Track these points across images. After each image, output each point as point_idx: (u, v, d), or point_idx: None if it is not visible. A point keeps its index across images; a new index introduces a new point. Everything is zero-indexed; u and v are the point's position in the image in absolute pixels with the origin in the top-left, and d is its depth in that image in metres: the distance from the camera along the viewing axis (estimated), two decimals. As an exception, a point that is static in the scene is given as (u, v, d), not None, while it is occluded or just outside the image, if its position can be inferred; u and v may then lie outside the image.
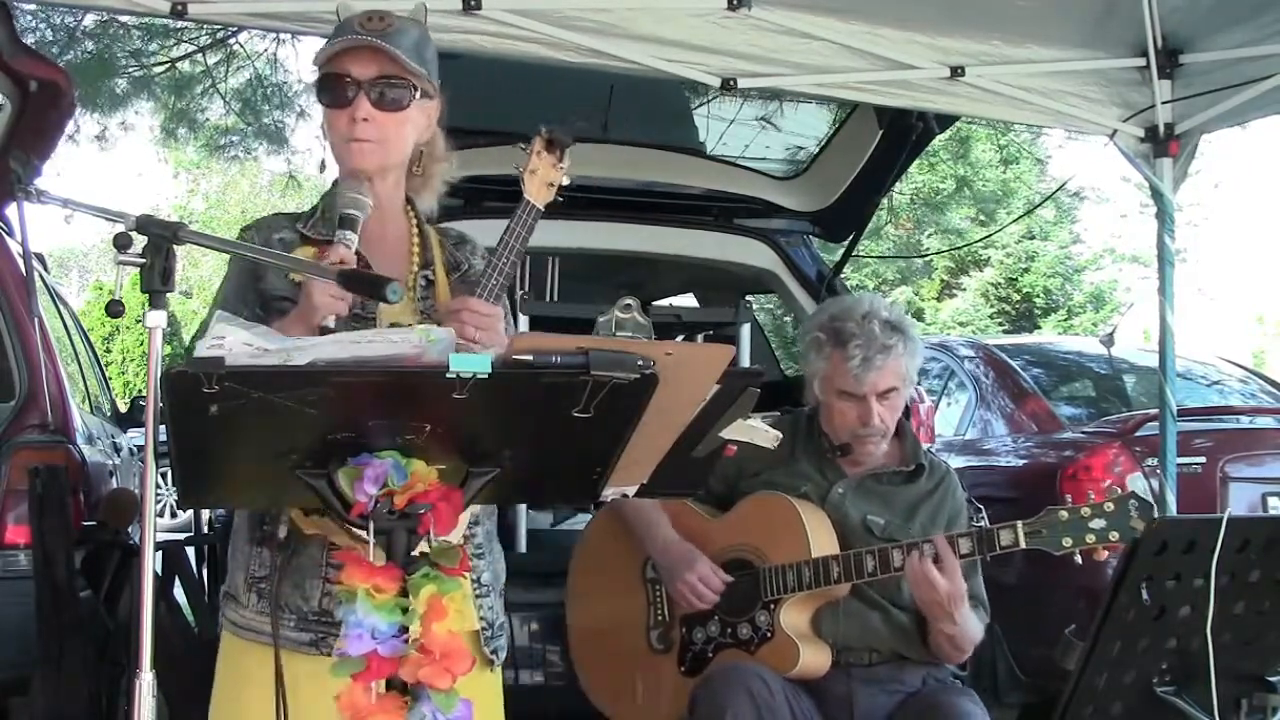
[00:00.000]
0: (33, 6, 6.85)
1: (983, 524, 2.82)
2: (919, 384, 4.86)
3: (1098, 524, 2.64)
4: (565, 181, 2.23)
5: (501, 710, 2.27)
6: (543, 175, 2.21)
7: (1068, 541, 2.66)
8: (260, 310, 2.12)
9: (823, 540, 2.84)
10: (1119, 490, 2.71)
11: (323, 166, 2.38)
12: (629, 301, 3.52)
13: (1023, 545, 2.69)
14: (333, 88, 2.13)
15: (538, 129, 2.22)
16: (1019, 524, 2.69)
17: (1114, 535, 2.63)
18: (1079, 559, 2.69)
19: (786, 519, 2.87)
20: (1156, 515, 2.64)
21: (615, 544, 3.09)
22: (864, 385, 2.84)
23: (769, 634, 2.85)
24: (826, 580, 2.79)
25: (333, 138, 2.16)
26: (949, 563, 2.69)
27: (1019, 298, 20.81)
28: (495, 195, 4.09)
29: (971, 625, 2.80)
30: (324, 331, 1.95)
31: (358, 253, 2.07)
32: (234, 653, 2.16)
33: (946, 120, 4.55)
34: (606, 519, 3.14)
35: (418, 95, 2.15)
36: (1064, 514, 2.67)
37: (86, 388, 5.54)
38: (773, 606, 2.85)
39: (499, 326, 2.12)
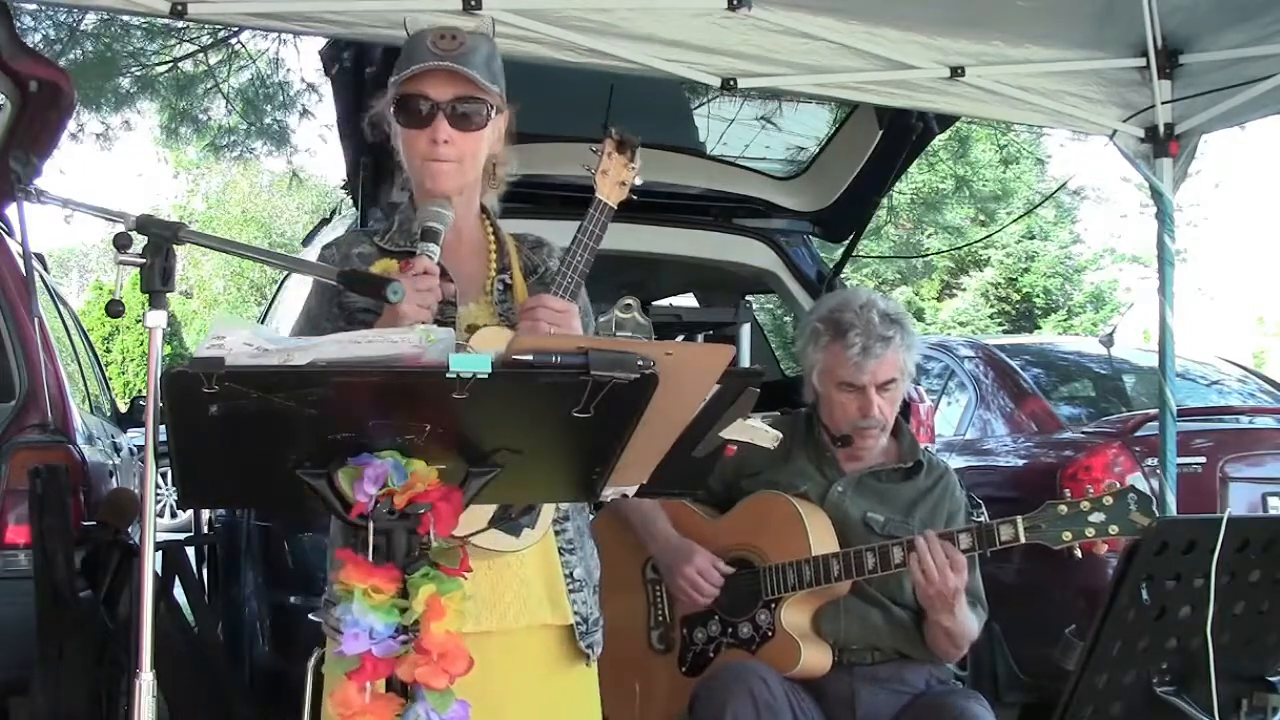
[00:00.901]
0: (34, 6, 6.85)
1: (982, 519, 2.82)
2: (919, 384, 4.87)
3: (1096, 518, 2.64)
4: (637, 181, 2.31)
5: (598, 705, 2.32)
6: (614, 175, 2.29)
7: (1067, 535, 2.66)
8: (343, 323, 2.17)
9: (823, 539, 2.84)
10: (1118, 485, 2.71)
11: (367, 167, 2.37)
12: (629, 301, 3.52)
13: (1022, 540, 2.69)
14: (411, 109, 2.16)
15: (607, 132, 2.30)
16: (1018, 519, 2.69)
17: (1113, 529, 2.63)
18: (1078, 553, 2.70)
19: (786, 518, 2.87)
20: (1155, 509, 2.64)
21: (615, 544, 3.08)
22: (864, 374, 2.84)
23: (770, 633, 2.85)
24: (827, 578, 2.80)
25: (410, 158, 2.21)
26: (952, 557, 2.69)
27: (1019, 298, 20.82)
28: (504, 195, 4.10)
29: (969, 621, 2.81)
30: None
31: (439, 263, 2.11)
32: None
33: (946, 120, 4.55)
34: (606, 520, 3.14)
35: (493, 113, 2.19)
36: (1063, 508, 2.67)
37: (86, 388, 5.54)
38: (773, 605, 2.85)
39: (574, 322, 2.17)
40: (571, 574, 2.25)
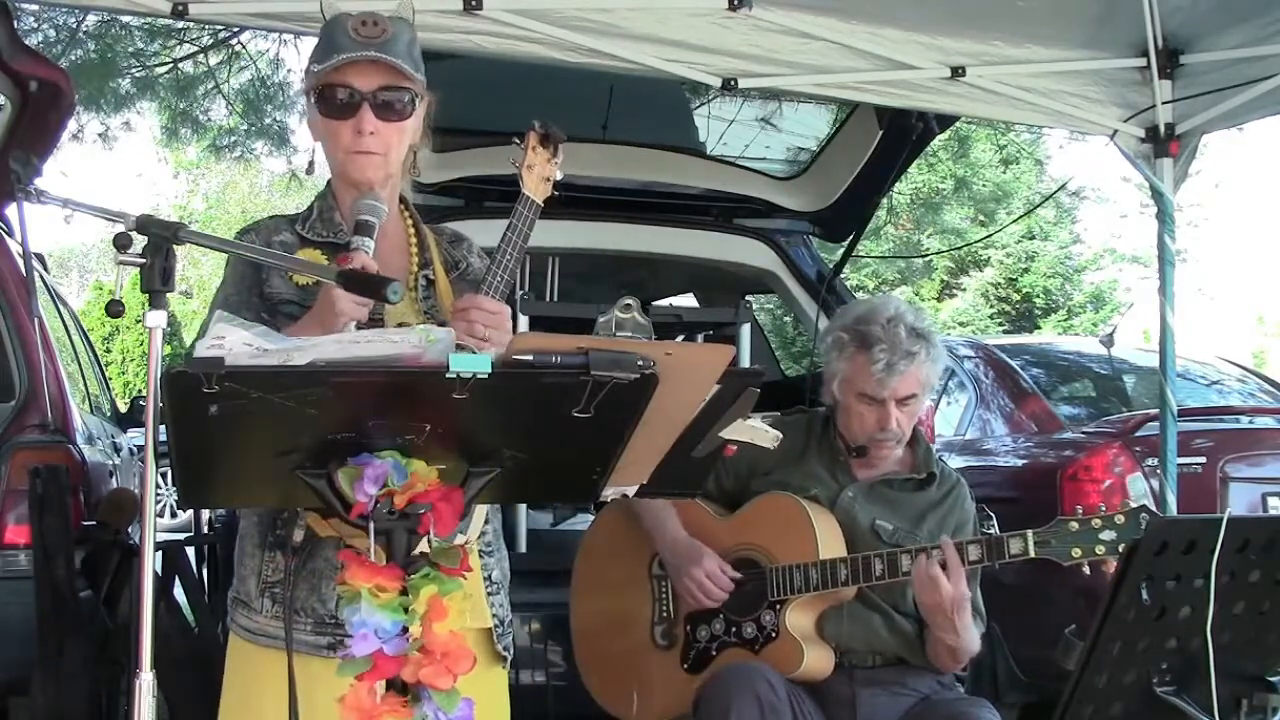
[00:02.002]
0: (35, 7, 6.86)
1: (992, 531, 2.81)
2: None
3: (1108, 535, 2.62)
4: (559, 176, 2.22)
5: (508, 706, 2.28)
6: (539, 170, 2.20)
7: (1077, 552, 2.64)
8: (265, 314, 2.12)
9: (831, 543, 2.83)
10: (1129, 502, 2.69)
11: (310, 168, 2.35)
12: (629, 301, 3.52)
13: (1032, 554, 2.68)
14: (333, 99, 2.11)
15: (530, 125, 2.22)
16: (1029, 533, 2.67)
17: (1124, 547, 2.61)
18: (1087, 570, 2.68)
19: (795, 520, 2.86)
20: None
21: (622, 539, 3.09)
22: (885, 390, 2.83)
23: (774, 634, 2.85)
24: (834, 582, 2.79)
25: (333, 149, 2.16)
26: (954, 567, 2.68)
27: (1019, 298, 20.81)
28: (496, 195, 4.10)
29: (971, 635, 2.80)
30: None
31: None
32: (245, 658, 2.15)
33: (946, 120, 4.55)
34: (614, 514, 3.14)
35: (417, 101, 2.15)
36: (1074, 524, 2.65)
37: (86, 388, 5.54)
38: (778, 607, 2.85)
39: (507, 324, 2.12)
40: (490, 576, 2.22)
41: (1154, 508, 2.67)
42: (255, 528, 2.17)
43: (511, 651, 2.27)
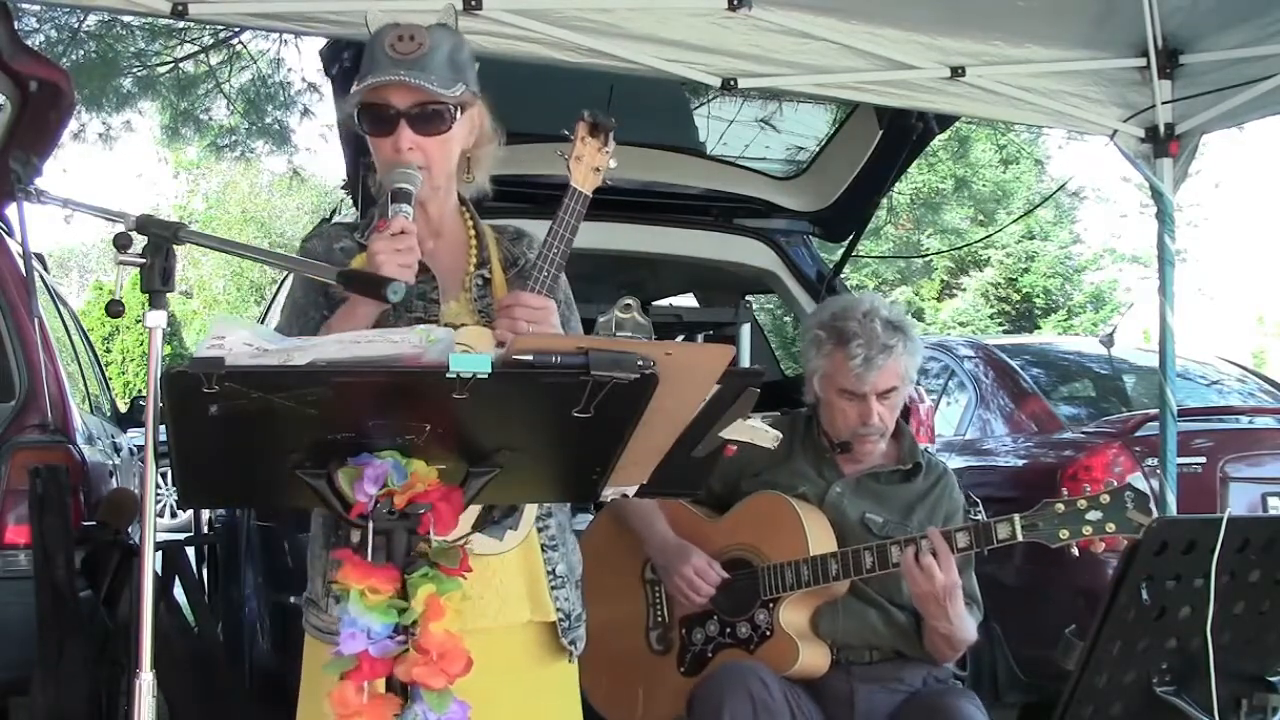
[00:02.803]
0: (36, 7, 6.86)
1: (980, 518, 2.82)
2: (919, 384, 4.87)
3: (1094, 516, 2.64)
4: (613, 165, 2.22)
5: (579, 700, 2.30)
6: (589, 161, 2.20)
7: (1064, 534, 2.66)
8: (327, 312, 2.15)
9: (821, 539, 2.84)
10: (1115, 483, 2.71)
11: (363, 181, 2.37)
12: (629, 301, 3.52)
13: (1019, 538, 2.70)
14: (374, 116, 2.15)
15: (579, 115, 2.22)
16: (1015, 517, 2.69)
17: (1110, 527, 2.63)
18: (1075, 551, 2.70)
19: (785, 518, 2.87)
20: (1153, 506, 2.65)
21: (614, 546, 3.09)
22: (865, 384, 2.84)
23: (768, 632, 2.85)
24: (825, 578, 2.80)
25: (380, 162, 2.19)
26: (944, 555, 2.69)
27: (1019, 298, 20.81)
28: (499, 194, 4.09)
29: (966, 624, 2.80)
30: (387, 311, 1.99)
31: (420, 263, 2.08)
32: (317, 657, 2.15)
33: (946, 120, 4.55)
34: (605, 521, 3.14)
35: (458, 114, 2.17)
36: (1060, 506, 2.67)
37: (86, 388, 5.54)
38: (772, 605, 2.85)
39: (552, 319, 2.14)
40: (554, 570, 2.23)
41: (1154, 507, 2.67)
42: (322, 529, 2.19)
43: (580, 646, 2.27)
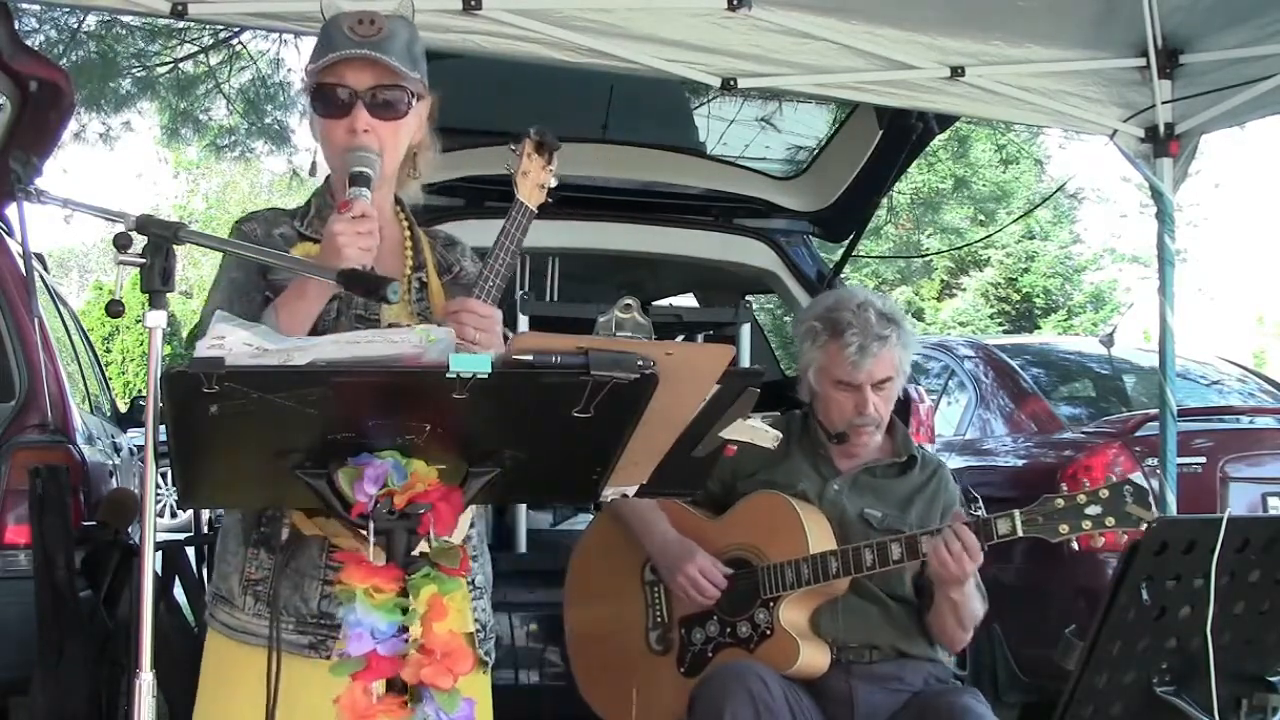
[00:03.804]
0: (35, 7, 6.86)
1: (980, 513, 2.83)
2: (919, 383, 4.87)
3: (1093, 510, 2.65)
4: (554, 183, 2.23)
5: (490, 712, 2.27)
6: (534, 177, 2.21)
7: (1064, 528, 2.67)
8: (269, 294, 2.11)
9: (820, 537, 2.84)
10: (1113, 478, 2.72)
11: (313, 169, 2.36)
12: (629, 301, 3.51)
13: (1020, 533, 2.70)
14: (329, 98, 2.11)
15: (526, 132, 2.22)
16: (1016, 513, 2.70)
17: (1110, 521, 2.64)
18: (1075, 545, 2.71)
19: (784, 517, 2.87)
20: (1152, 501, 2.65)
21: (613, 547, 3.09)
22: (860, 374, 2.86)
23: (768, 631, 2.85)
24: (825, 575, 2.80)
25: (329, 147, 2.15)
26: (972, 543, 2.69)
27: (1019, 298, 20.81)
28: (496, 195, 4.10)
29: (975, 601, 2.81)
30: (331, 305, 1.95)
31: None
32: (223, 654, 2.14)
33: (946, 120, 4.55)
34: (604, 522, 3.14)
35: (414, 101, 2.14)
36: (1060, 501, 2.69)
37: (86, 388, 5.54)
38: (772, 604, 2.85)
39: (497, 328, 2.12)
40: (473, 581, 2.20)
41: (1153, 501, 2.68)
42: (239, 524, 2.17)
43: (493, 657, 2.26)
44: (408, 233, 2.28)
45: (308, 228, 2.21)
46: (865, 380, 2.87)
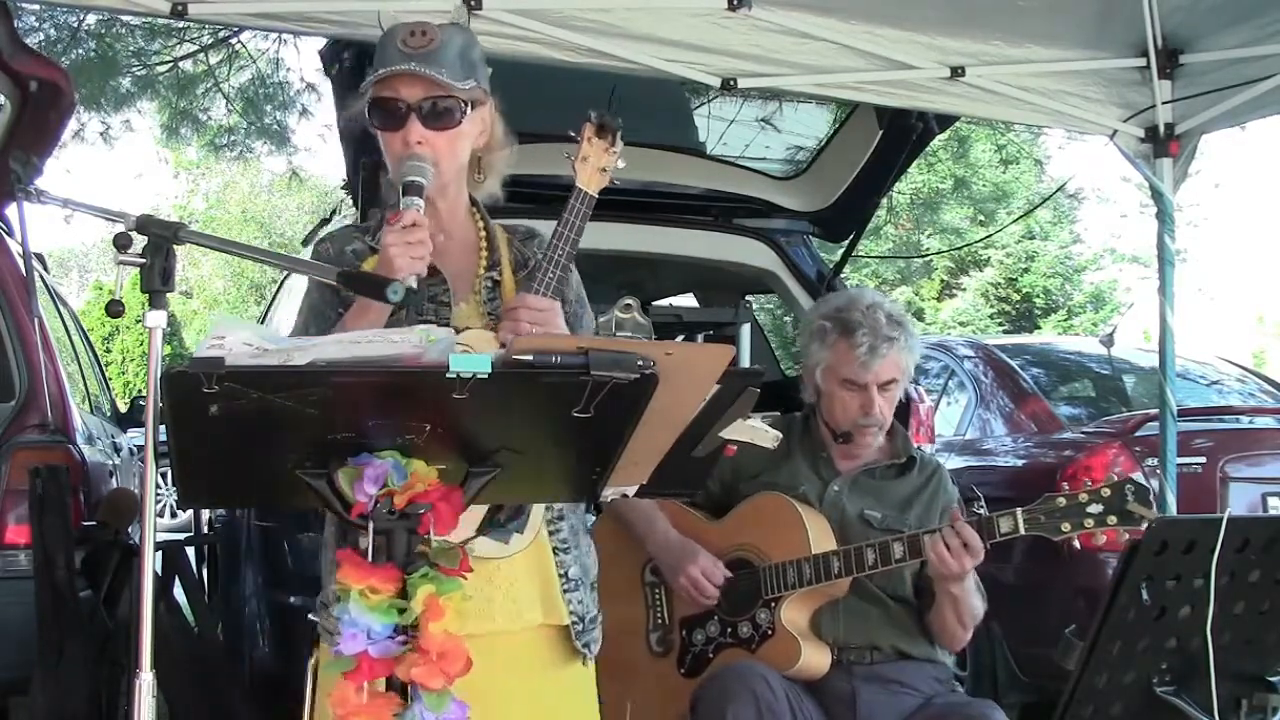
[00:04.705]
0: (35, 7, 6.86)
1: (982, 512, 2.83)
2: (919, 384, 4.87)
3: (1095, 509, 2.66)
4: (620, 165, 2.23)
5: (595, 704, 2.30)
6: (595, 161, 2.21)
7: (1066, 526, 2.68)
8: (343, 310, 2.14)
9: (822, 538, 2.85)
10: (1115, 477, 2.72)
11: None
12: (629, 301, 3.52)
13: (1022, 531, 2.71)
14: (384, 111, 2.15)
15: (586, 115, 2.22)
16: (1018, 511, 2.71)
17: (1111, 519, 2.65)
18: (1077, 544, 2.72)
19: (786, 518, 2.87)
20: (1153, 499, 2.66)
21: (614, 548, 3.07)
22: (868, 373, 2.87)
23: (770, 631, 2.85)
24: (827, 575, 2.80)
25: (389, 158, 2.19)
26: (973, 541, 2.69)
27: (1019, 298, 20.81)
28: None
29: (974, 598, 2.82)
30: (400, 307, 1.96)
31: (430, 265, 2.07)
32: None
33: (946, 120, 4.55)
34: (604, 524, 3.14)
35: (469, 109, 2.17)
36: (1061, 500, 2.69)
37: (86, 388, 5.54)
38: (773, 604, 2.86)
39: (556, 320, 2.14)
40: (566, 573, 2.23)
41: (1154, 500, 2.68)
42: (334, 536, 2.18)
43: (595, 649, 2.27)
44: (483, 232, 2.29)
45: (376, 240, 2.23)
46: (872, 380, 2.88)
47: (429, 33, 2.12)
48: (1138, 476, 4.39)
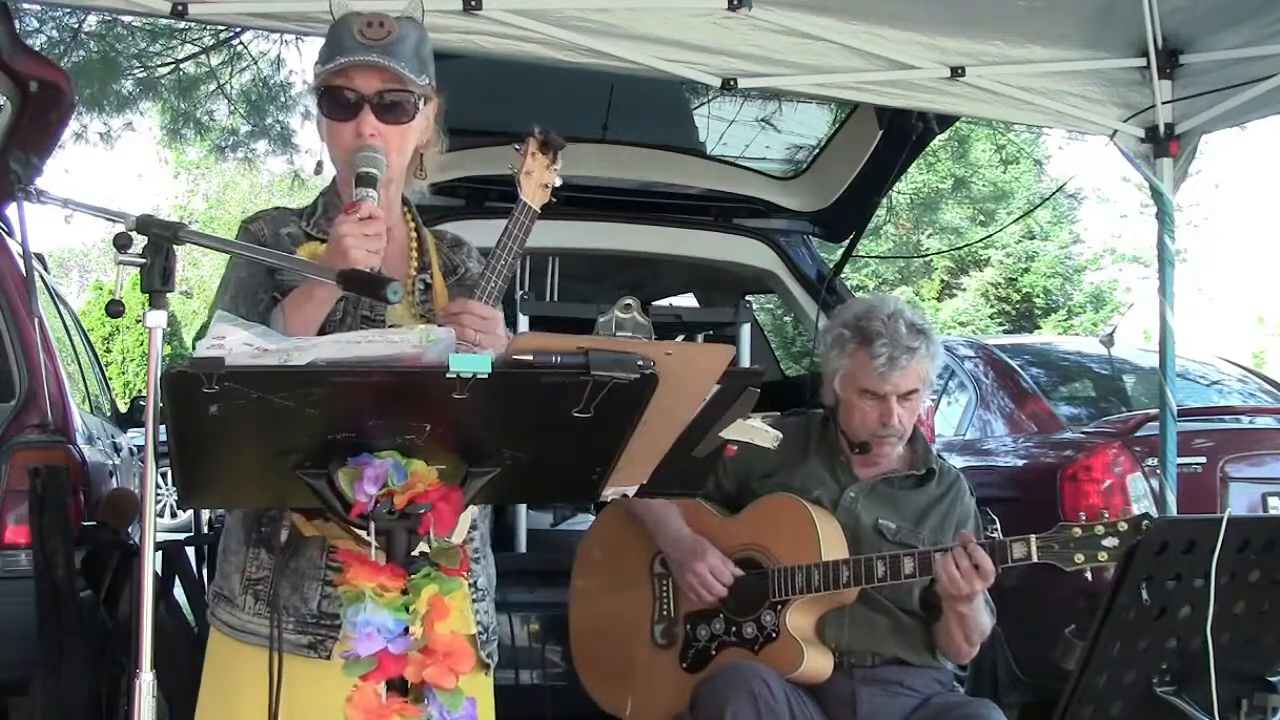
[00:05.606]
0: (36, 8, 6.86)
1: (995, 535, 2.82)
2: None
3: (1110, 542, 2.61)
4: (558, 183, 2.22)
5: (493, 714, 2.26)
6: (537, 177, 2.21)
7: (1080, 558, 2.64)
8: (277, 294, 2.11)
9: (833, 544, 2.84)
10: (1131, 509, 2.70)
11: (319, 168, 2.34)
12: (629, 301, 3.52)
13: (1035, 559, 2.68)
14: (336, 100, 2.12)
15: (530, 131, 2.22)
16: (1032, 538, 2.68)
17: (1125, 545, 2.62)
18: (1089, 575, 2.68)
19: (798, 521, 2.86)
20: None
21: (624, 538, 3.09)
22: (888, 384, 2.85)
23: (774, 634, 2.85)
24: (836, 584, 2.79)
25: (336, 150, 2.16)
26: (984, 563, 2.68)
27: (1019, 298, 20.81)
28: (496, 195, 4.10)
29: (983, 615, 2.81)
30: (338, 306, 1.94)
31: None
32: (225, 654, 2.14)
33: (946, 120, 4.55)
34: (616, 514, 3.14)
35: (421, 105, 2.15)
36: (1077, 530, 2.65)
37: (86, 388, 5.54)
38: (779, 607, 2.85)
39: (499, 329, 2.12)
40: (475, 583, 2.20)
41: (1154, 507, 2.67)
42: (240, 524, 2.17)
43: (495, 659, 2.26)
44: (414, 234, 2.28)
45: (314, 228, 2.21)
46: (891, 391, 2.86)
47: (386, 24, 2.09)
48: (1138, 482, 4.42)
